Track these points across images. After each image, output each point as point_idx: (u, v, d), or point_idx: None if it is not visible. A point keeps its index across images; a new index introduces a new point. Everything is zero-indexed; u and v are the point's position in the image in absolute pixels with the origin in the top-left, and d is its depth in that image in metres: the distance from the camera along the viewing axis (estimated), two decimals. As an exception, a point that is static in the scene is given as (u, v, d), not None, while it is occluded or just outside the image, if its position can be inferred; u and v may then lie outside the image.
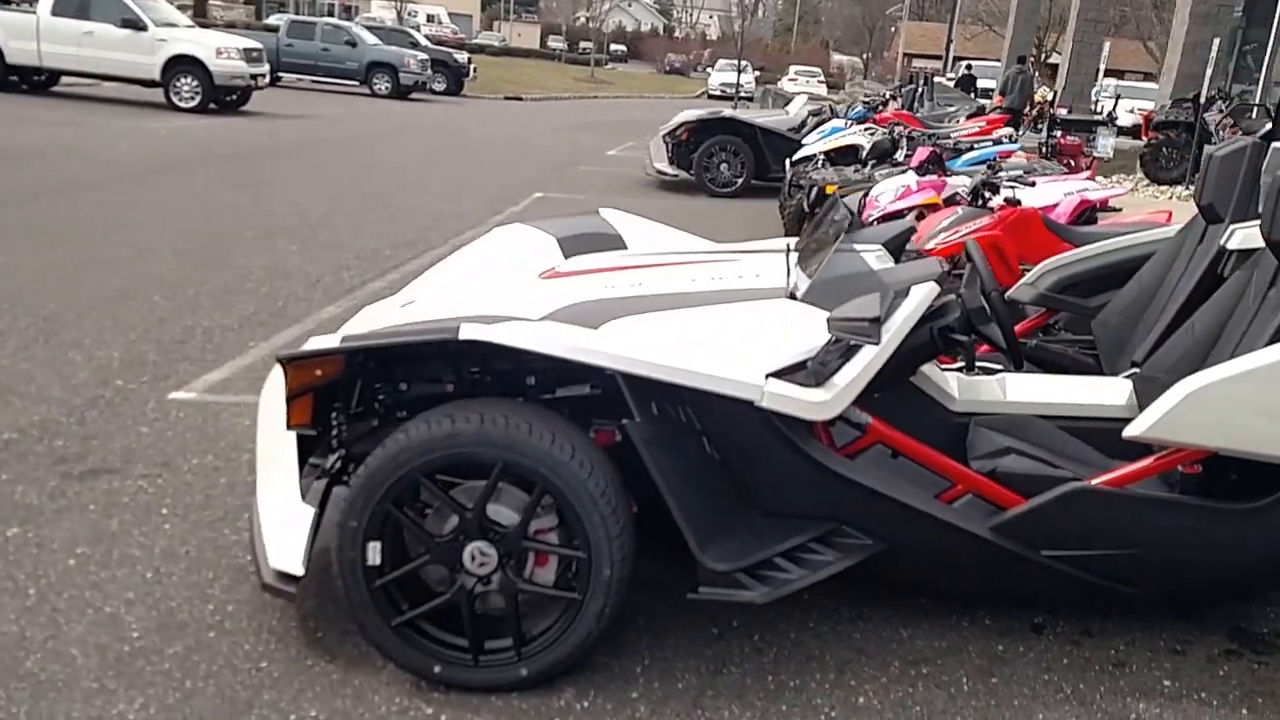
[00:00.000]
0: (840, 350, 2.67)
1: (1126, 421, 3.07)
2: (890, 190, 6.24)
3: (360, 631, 2.57)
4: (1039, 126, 13.46)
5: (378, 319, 3.26)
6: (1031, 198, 6.15)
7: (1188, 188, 9.35)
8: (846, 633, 2.96)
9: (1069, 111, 15.78)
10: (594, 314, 2.85)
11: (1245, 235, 3.44)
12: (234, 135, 13.82)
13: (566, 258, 3.61)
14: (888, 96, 13.17)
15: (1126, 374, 3.37)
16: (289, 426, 2.71)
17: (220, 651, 2.66)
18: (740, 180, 11.49)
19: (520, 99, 29.00)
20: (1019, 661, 2.88)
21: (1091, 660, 2.90)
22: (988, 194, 5.56)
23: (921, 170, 6.62)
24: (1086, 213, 6.25)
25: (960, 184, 6.20)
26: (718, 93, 38.74)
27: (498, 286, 3.37)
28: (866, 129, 9.22)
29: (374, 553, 2.49)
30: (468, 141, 15.91)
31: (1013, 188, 5.69)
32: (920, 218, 6.13)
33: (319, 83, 24.23)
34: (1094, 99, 19.51)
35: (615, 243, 3.81)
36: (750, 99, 30.09)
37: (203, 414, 4.23)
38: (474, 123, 19.66)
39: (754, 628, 2.94)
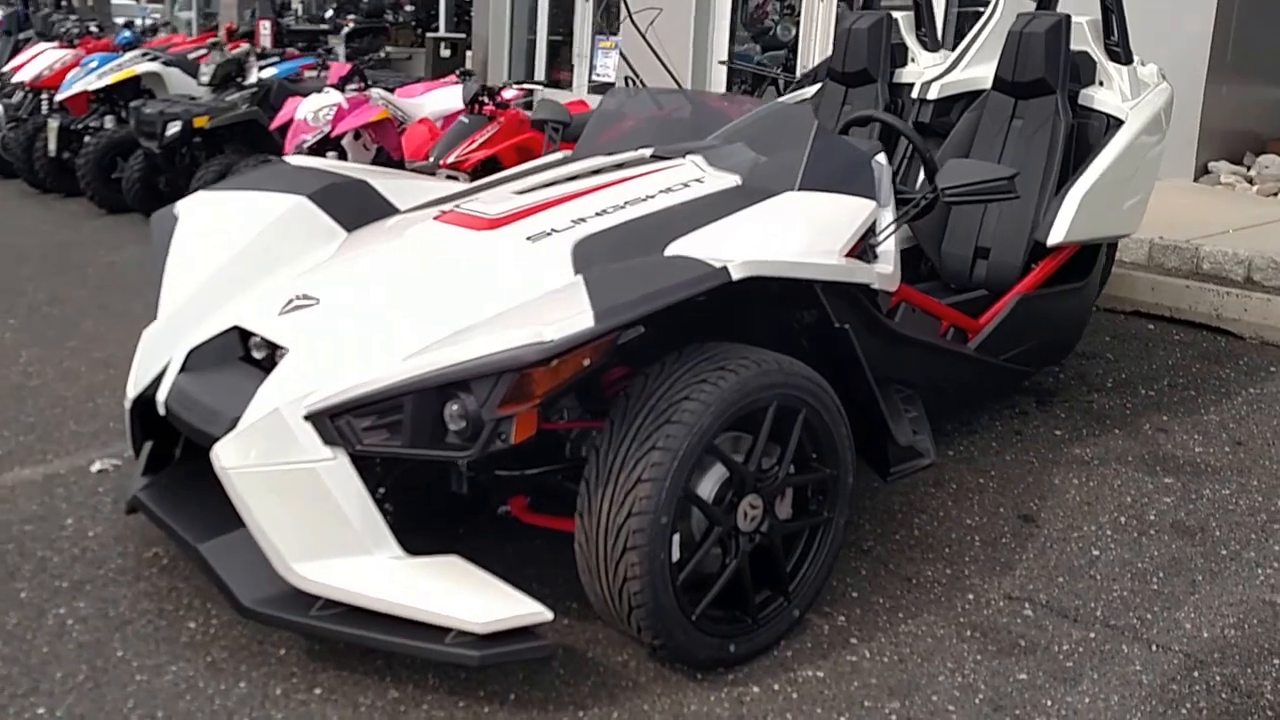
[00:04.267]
0: (882, 224, 2.80)
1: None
2: (315, 111, 5.97)
3: (662, 641, 2.24)
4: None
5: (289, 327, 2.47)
6: (440, 101, 6.43)
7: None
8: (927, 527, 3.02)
9: None
10: (645, 240, 2.55)
11: (943, 85, 4.20)
12: None
13: (338, 219, 2.98)
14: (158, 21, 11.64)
15: None
16: (514, 442, 2.14)
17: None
18: None
19: None
20: (1031, 434, 3.62)
21: (1060, 419, 3.71)
22: (485, 99, 5.70)
23: (341, 86, 6.32)
24: None
25: (380, 96, 6.24)
26: None
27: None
28: (144, 54, 7.86)
29: (675, 547, 2.21)
30: None
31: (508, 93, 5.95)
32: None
33: None
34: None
35: (368, 189, 3.13)
36: None
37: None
38: None
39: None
